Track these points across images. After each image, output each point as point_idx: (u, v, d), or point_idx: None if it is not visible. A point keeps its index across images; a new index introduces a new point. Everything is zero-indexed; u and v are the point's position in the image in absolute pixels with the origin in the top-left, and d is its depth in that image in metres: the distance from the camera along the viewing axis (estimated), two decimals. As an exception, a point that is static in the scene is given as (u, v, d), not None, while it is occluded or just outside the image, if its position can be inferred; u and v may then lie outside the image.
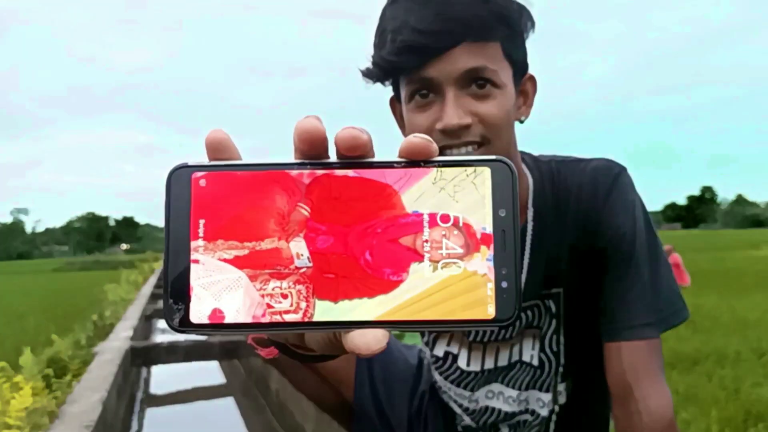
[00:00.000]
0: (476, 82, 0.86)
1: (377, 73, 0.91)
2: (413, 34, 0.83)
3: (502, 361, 1.08)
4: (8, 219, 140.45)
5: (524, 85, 0.95)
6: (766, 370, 3.24)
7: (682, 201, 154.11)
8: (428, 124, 0.87)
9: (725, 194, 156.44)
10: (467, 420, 1.18)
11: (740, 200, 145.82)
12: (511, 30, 0.88)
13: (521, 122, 0.95)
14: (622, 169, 0.98)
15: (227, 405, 4.91)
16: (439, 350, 1.15)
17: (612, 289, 0.95)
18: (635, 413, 0.90)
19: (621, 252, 0.94)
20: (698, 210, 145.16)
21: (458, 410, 1.20)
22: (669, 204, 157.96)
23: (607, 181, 0.96)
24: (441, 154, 0.86)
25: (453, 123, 0.84)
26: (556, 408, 1.09)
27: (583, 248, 0.98)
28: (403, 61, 0.85)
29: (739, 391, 2.80)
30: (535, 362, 1.06)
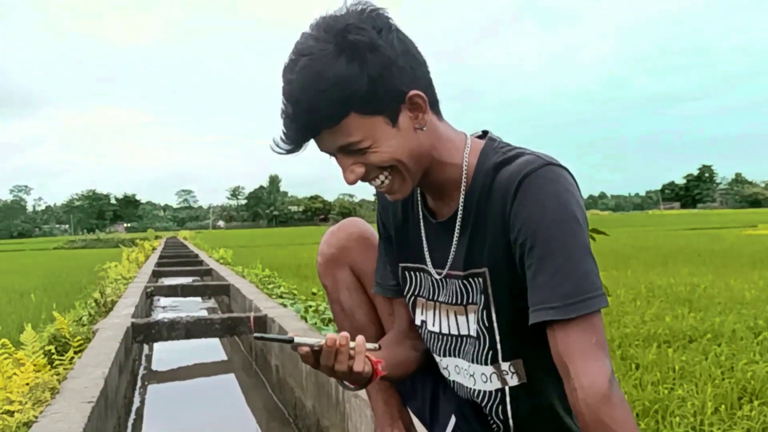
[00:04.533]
0: (350, 149, 1.01)
1: None
2: (287, 134, 1.01)
3: (454, 329, 1.19)
4: (9, 197, 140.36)
5: (412, 101, 1.03)
6: (761, 347, 3.26)
7: (680, 180, 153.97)
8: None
9: (724, 174, 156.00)
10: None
11: (739, 180, 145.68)
12: (357, 98, 0.98)
13: (422, 130, 1.05)
14: (543, 165, 1.03)
15: (228, 381, 4.96)
16: (417, 320, 1.26)
17: (527, 276, 1.02)
18: (573, 390, 0.95)
19: (528, 242, 1.01)
20: (696, 189, 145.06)
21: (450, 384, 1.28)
22: (667, 183, 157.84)
23: (519, 175, 1.03)
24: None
25: (349, 181, 1.04)
26: (507, 388, 1.16)
27: (500, 236, 1.06)
28: (292, 152, 1.03)
29: (734, 369, 2.83)
30: (474, 335, 1.16)
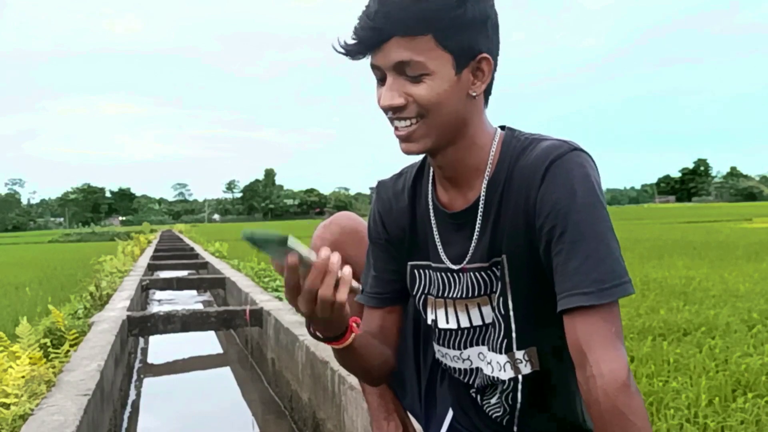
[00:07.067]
0: (406, 70, 1.00)
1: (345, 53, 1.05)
2: (359, 29, 1.00)
3: (477, 320, 1.16)
4: (4, 190, 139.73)
5: (479, 64, 1.04)
6: (755, 340, 3.28)
7: (675, 174, 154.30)
8: (379, 101, 1.05)
9: (719, 167, 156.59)
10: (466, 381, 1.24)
11: (734, 173, 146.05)
12: (443, 24, 0.98)
13: (474, 97, 1.05)
14: (569, 150, 1.02)
15: (224, 374, 4.96)
16: (428, 319, 1.23)
17: (555, 262, 1.00)
18: (590, 377, 0.94)
19: (557, 228, 0.99)
20: (692, 183, 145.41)
21: (458, 376, 1.25)
22: (663, 177, 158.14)
23: (546, 160, 1.02)
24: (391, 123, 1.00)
25: (385, 104, 1.02)
26: (520, 377, 1.15)
27: (520, 222, 1.05)
28: (352, 50, 1.01)
29: (728, 361, 2.84)
30: (490, 323, 1.15)
